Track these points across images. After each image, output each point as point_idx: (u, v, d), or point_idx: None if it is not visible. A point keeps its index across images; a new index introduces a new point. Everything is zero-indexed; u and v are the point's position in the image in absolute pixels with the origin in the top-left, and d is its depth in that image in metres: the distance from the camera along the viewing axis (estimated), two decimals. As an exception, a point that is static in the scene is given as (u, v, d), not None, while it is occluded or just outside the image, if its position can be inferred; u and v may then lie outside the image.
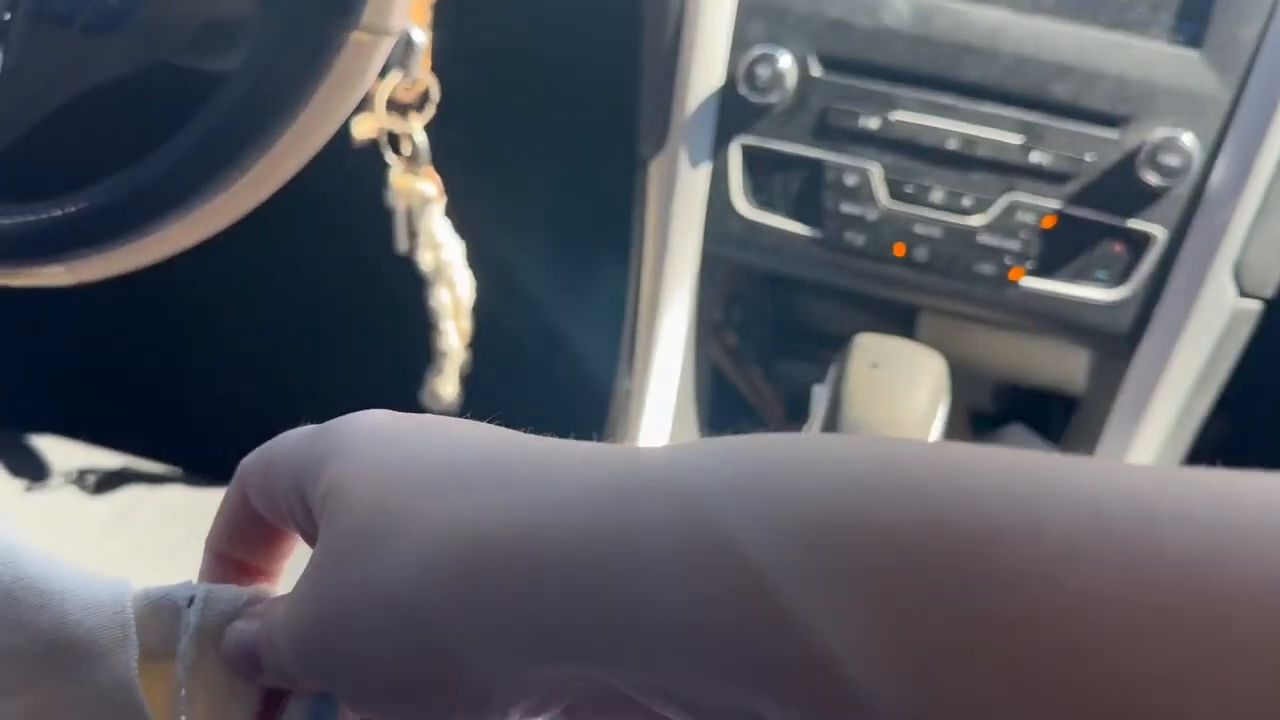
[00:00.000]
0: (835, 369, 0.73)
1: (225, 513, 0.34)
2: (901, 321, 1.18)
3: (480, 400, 1.02)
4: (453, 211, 0.90)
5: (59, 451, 1.11)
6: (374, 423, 0.30)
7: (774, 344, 1.22)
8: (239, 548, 0.34)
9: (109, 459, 1.11)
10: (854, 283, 0.85)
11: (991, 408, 1.15)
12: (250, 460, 0.33)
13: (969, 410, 1.16)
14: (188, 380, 1.43)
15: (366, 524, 0.27)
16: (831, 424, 0.70)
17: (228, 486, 0.33)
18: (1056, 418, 1.11)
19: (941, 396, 0.71)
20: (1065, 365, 1.03)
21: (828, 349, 1.07)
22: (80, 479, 1.07)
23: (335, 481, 0.28)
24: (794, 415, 1.07)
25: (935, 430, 0.70)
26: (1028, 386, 1.10)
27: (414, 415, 0.30)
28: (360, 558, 0.27)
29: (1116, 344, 0.81)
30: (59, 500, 1.05)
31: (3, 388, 1.31)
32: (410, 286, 0.96)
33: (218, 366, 1.45)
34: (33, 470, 1.08)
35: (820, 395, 0.74)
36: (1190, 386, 0.79)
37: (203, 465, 1.11)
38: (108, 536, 1.02)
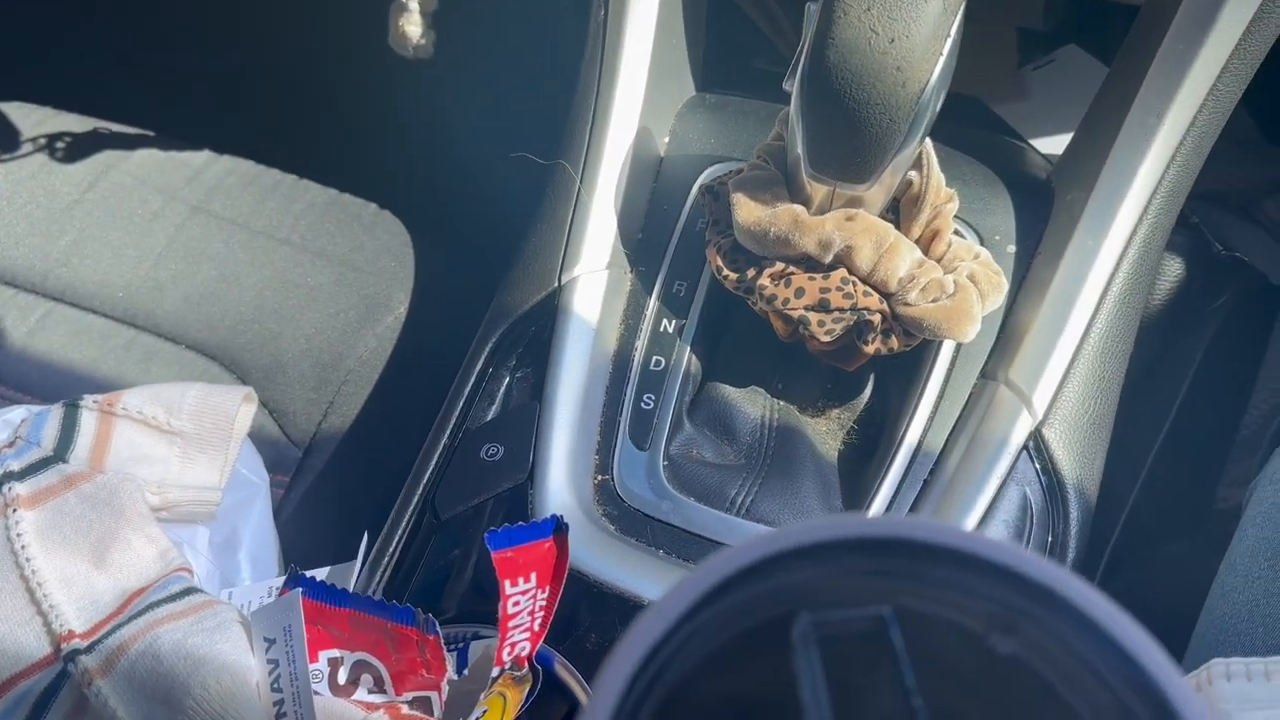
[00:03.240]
0: (830, -21, 0.61)
1: None
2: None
3: (451, 43, 0.92)
4: None
5: (26, 118, 1.04)
6: None
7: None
8: None
9: (78, 122, 1.04)
10: None
11: (1043, 25, 1.00)
12: None
13: (1017, 30, 1.02)
14: (153, 40, 1.34)
15: None
16: (821, 47, 0.58)
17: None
18: (1113, 36, 0.96)
19: (956, 7, 0.59)
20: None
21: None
22: (50, 145, 1.01)
23: None
24: (809, 44, 0.94)
25: (946, 49, 0.59)
26: (1084, -2, 0.95)
27: None
28: None
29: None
30: (29, 168, 1.00)
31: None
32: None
33: (180, 23, 1.34)
34: (0, 139, 1.02)
35: (813, 15, 0.62)
36: (1270, -15, 0.64)
37: (175, 124, 1.04)
38: (81, 205, 0.97)
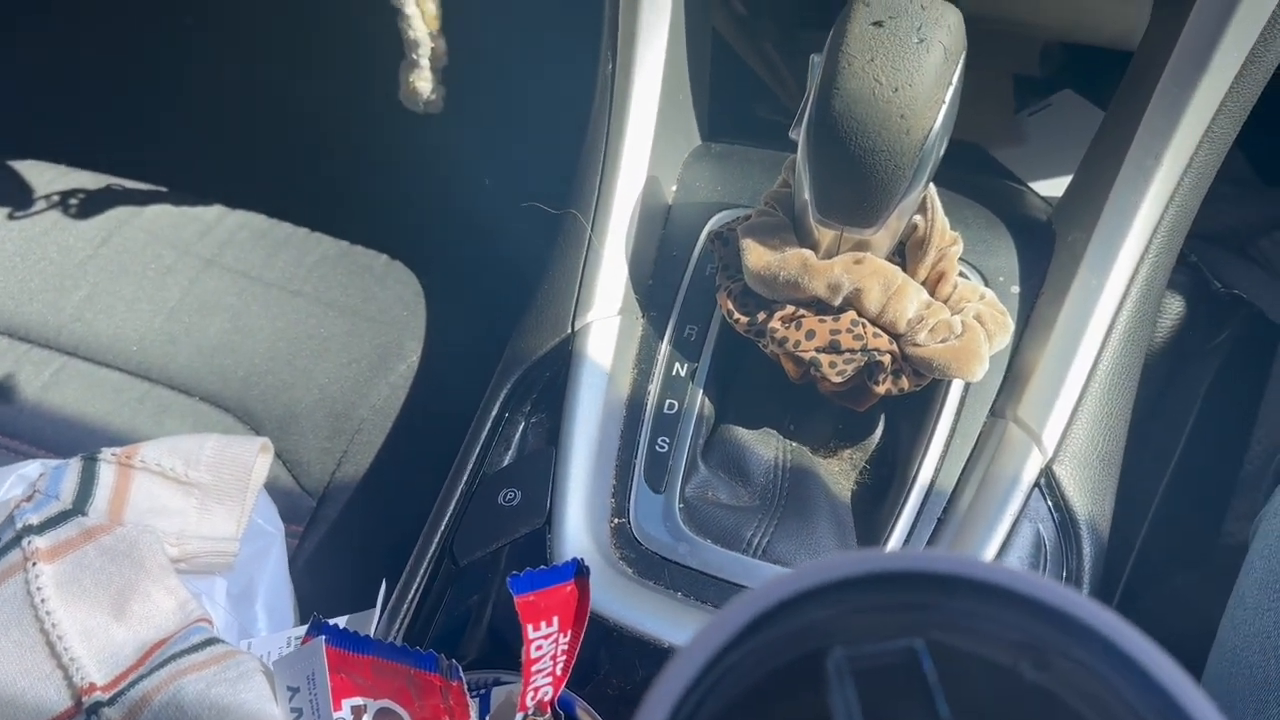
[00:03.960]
0: (833, 32, 0.62)
1: None
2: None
3: (461, 98, 0.94)
4: None
5: (39, 175, 1.06)
6: None
7: (794, 13, 1.08)
8: None
9: (91, 180, 1.05)
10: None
11: (1039, 72, 1.02)
12: None
13: (1014, 76, 1.04)
14: (166, 99, 1.36)
15: None
16: (827, 97, 0.60)
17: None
18: (1107, 81, 0.98)
19: (957, 56, 0.61)
20: (1121, 16, 0.89)
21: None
22: (63, 202, 1.03)
23: None
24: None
25: (949, 97, 0.60)
26: (1078, 44, 0.97)
27: None
28: None
29: (1178, -18, 0.68)
30: (42, 225, 1.01)
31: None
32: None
33: (193, 81, 1.37)
34: (14, 196, 1.04)
35: (817, 66, 0.64)
36: (1262, 28, 0.66)
37: (187, 180, 1.06)
38: (94, 260, 0.98)
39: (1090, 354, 0.69)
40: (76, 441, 0.91)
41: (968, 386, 0.70)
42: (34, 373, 0.95)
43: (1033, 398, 0.68)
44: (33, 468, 0.84)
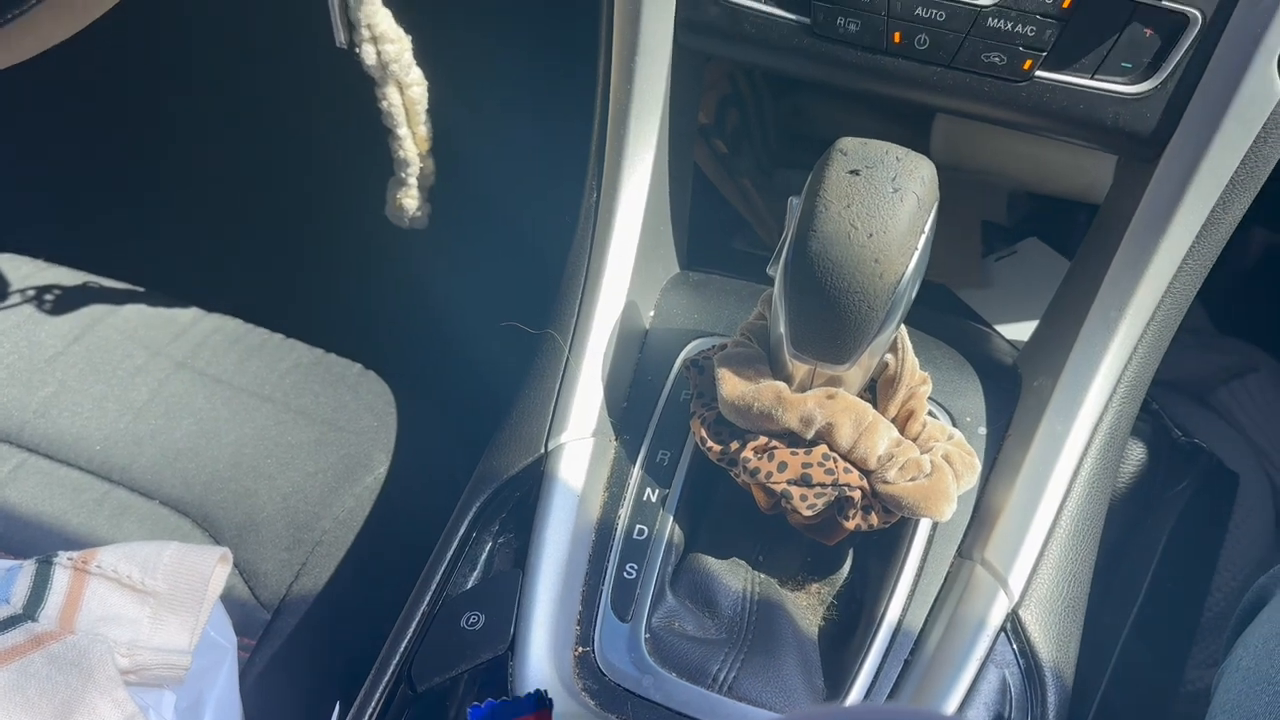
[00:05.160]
0: (811, 177, 0.65)
1: None
2: (914, 126, 1.08)
3: (445, 218, 0.95)
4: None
5: (16, 269, 1.06)
6: None
7: (775, 153, 1.12)
8: None
9: (68, 276, 1.06)
10: (846, 77, 0.76)
11: (1006, 219, 1.06)
12: None
13: (982, 223, 1.08)
14: (148, 197, 1.38)
15: None
16: (804, 238, 0.62)
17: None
18: (1075, 230, 1.02)
19: (930, 206, 0.63)
20: (1085, 172, 0.94)
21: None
22: (38, 297, 1.03)
23: None
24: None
25: (921, 244, 0.62)
26: (1045, 195, 1.01)
27: None
28: None
29: (1141, 145, 0.71)
30: (15, 319, 1.01)
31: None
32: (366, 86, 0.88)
33: (176, 183, 1.39)
34: (-11, 289, 1.04)
35: (795, 207, 0.66)
36: (1220, 194, 0.69)
37: (166, 281, 1.06)
38: (64, 357, 0.98)
39: (1056, 499, 0.70)
40: (32, 540, 0.88)
41: (935, 526, 0.71)
42: (-8, 468, 0.93)
43: (999, 541, 0.69)
44: (-18, 566, 0.82)
